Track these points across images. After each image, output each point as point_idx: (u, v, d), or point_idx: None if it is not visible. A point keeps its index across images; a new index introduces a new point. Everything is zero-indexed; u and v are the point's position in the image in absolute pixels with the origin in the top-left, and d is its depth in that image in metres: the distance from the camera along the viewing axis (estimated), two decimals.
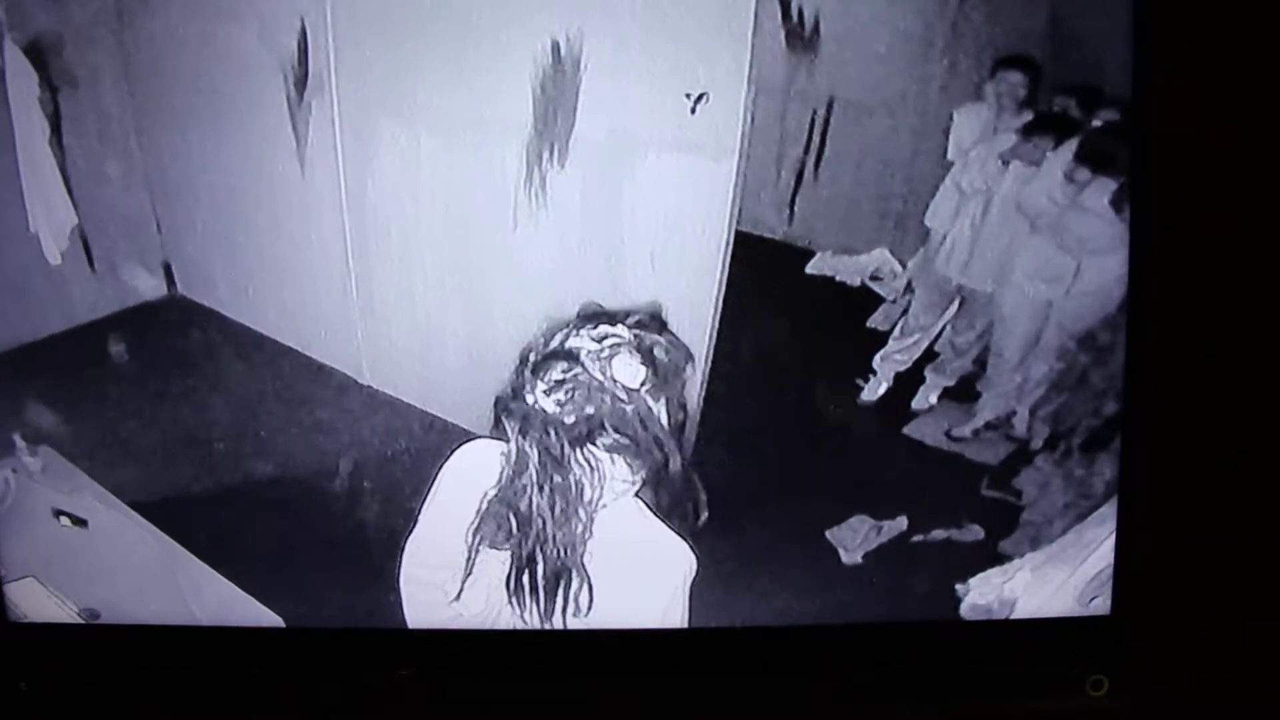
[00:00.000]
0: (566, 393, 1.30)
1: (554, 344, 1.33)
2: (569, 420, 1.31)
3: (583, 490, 1.33)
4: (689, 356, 1.37)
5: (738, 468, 1.49)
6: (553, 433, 1.31)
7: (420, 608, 1.45)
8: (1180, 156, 1.31)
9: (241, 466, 1.55)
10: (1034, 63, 1.32)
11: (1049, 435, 1.45)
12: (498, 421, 1.35)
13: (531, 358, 1.33)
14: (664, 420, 1.34)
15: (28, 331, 1.57)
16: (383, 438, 1.53)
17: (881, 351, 1.47)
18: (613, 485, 1.34)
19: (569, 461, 1.32)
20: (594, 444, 1.32)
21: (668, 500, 1.37)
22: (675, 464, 1.36)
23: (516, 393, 1.33)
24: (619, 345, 1.32)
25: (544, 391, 1.31)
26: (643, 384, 1.32)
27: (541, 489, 1.33)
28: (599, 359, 1.31)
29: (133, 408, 1.56)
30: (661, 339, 1.33)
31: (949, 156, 1.38)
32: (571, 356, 1.31)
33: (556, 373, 1.30)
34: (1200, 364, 1.38)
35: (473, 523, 1.37)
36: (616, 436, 1.32)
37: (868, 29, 1.38)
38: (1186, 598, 1.45)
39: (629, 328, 1.33)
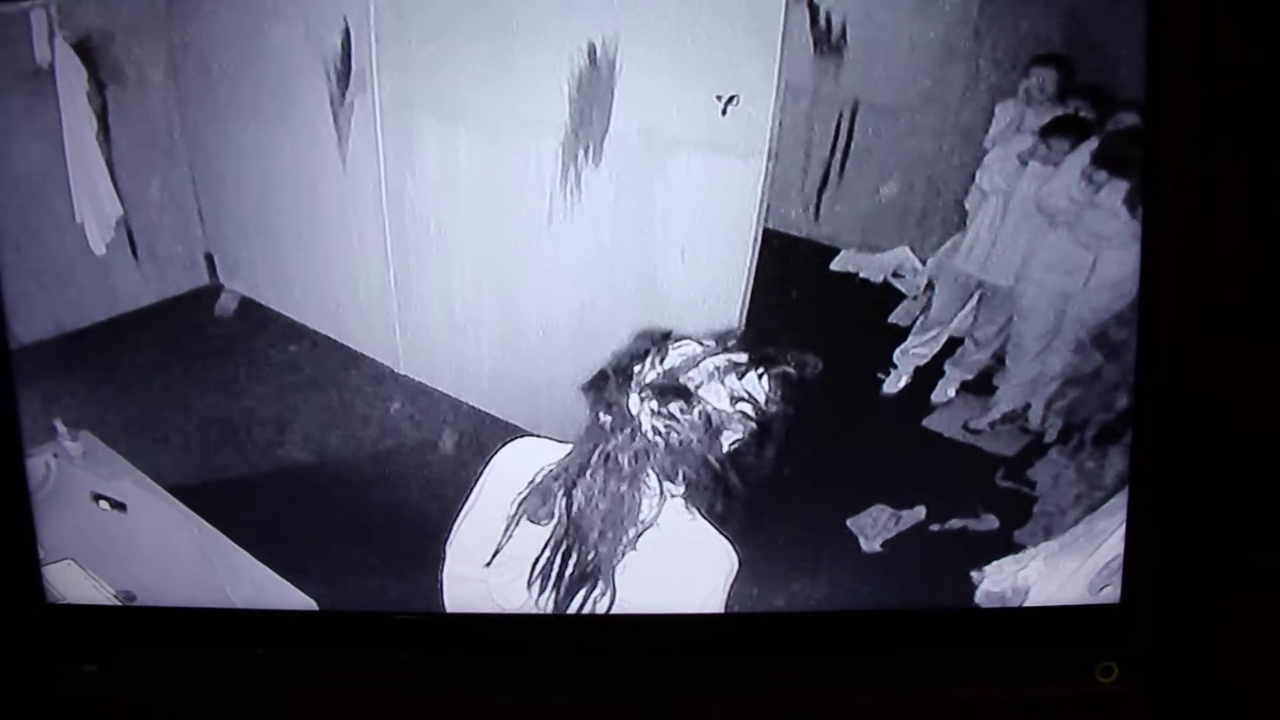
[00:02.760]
0: (668, 427, 1.31)
1: (696, 374, 1.31)
2: (655, 444, 1.32)
3: (639, 508, 1.36)
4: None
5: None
6: (634, 449, 1.33)
7: (463, 605, 1.50)
8: (1193, 156, 1.36)
9: (278, 453, 1.59)
10: (1067, 61, 1.37)
11: (1062, 428, 1.50)
12: (596, 387, 1.34)
13: (658, 361, 1.33)
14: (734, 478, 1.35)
15: (71, 319, 1.60)
16: (418, 426, 1.57)
17: (901, 346, 1.51)
18: (669, 513, 1.37)
19: (637, 480, 1.34)
20: (659, 473, 1.33)
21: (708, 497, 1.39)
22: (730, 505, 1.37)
23: (623, 387, 1.34)
24: (749, 419, 1.31)
25: (651, 411, 1.32)
26: (734, 443, 1.34)
27: (604, 493, 1.35)
28: (720, 419, 1.31)
29: (172, 395, 1.59)
30: (780, 408, 1.33)
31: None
32: (699, 401, 1.31)
33: (674, 408, 1.31)
34: (1210, 359, 1.43)
35: (522, 492, 1.41)
36: (684, 478, 1.34)
37: (892, 35, 1.43)
38: (1195, 587, 1.49)
39: (766, 384, 1.32)
